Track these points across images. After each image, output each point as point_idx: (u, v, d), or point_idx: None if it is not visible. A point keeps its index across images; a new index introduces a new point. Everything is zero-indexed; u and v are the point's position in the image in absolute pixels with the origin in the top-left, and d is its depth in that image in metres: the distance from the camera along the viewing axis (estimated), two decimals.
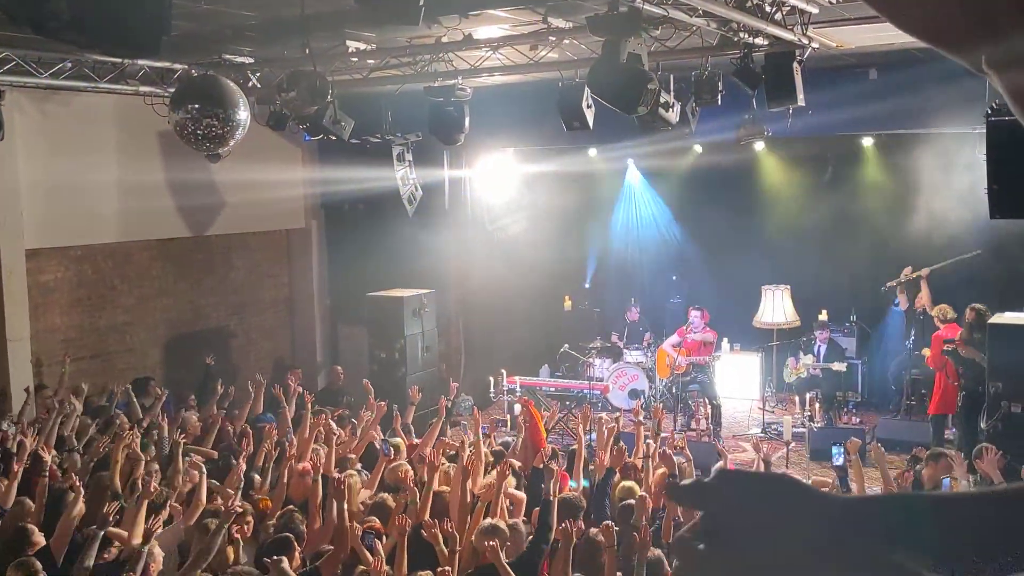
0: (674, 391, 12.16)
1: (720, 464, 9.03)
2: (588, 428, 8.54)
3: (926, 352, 11.05)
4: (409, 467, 7.34)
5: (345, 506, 5.82)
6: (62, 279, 10.99)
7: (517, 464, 7.12)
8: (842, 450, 7.34)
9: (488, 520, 5.88)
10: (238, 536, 6.04)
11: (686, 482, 0.95)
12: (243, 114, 7.88)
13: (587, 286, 15.01)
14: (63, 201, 10.53)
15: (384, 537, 6.02)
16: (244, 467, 7.06)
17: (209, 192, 12.09)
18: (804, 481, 0.94)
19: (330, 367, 13.24)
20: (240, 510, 5.92)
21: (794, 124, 9.48)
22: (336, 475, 6.37)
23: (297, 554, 5.59)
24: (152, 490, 6.19)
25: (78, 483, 6.41)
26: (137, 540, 5.74)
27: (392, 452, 7.71)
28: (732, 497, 0.90)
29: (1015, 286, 11.54)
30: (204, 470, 6.81)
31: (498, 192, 14.27)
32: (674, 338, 12.15)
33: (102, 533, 5.75)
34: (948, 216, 11.63)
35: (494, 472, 7.14)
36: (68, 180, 10.54)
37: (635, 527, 5.85)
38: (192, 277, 12.65)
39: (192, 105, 7.71)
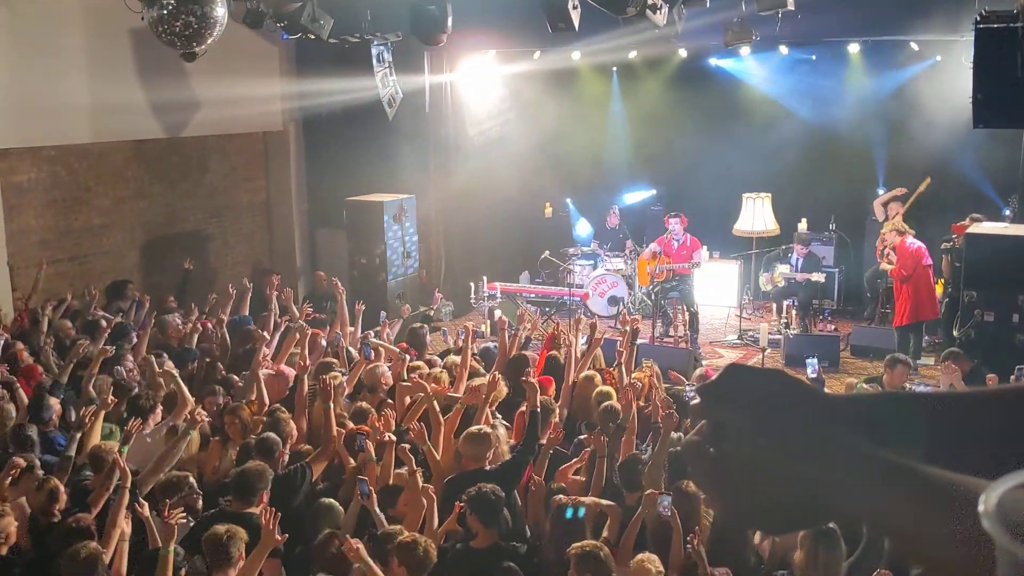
0: (653, 298, 12.23)
1: (698, 372, 9.19)
2: (579, 333, 8.54)
3: (887, 266, 11.11)
4: (387, 370, 7.39)
5: (331, 406, 5.87)
6: (35, 180, 10.79)
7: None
8: (816, 361, 7.44)
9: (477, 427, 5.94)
10: (231, 435, 6.12)
11: (700, 387, 0.95)
12: (220, 11, 7.66)
13: (568, 200, 14.94)
14: (33, 100, 10.24)
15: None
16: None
17: (184, 93, 11.80)
18: (798, 378, 0.94)
19: (312, 273, 13.21)
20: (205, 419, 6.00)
21: (782, 28, 9.33)
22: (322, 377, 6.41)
23: (282, 454, 5.67)
24: (110, 401, 6.21)
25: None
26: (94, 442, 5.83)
27: (372, 354, 7.75)
28: (737, 394, 0.90)
29: (987, 197, 11.66)
30: (177, 375, 6.77)
31: (480, 96, 14.05)
32: (654, 246, 12.13)
33: (79, 435, 5.84)
34: (933, 124, 11.61)
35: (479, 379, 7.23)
36: (38, 79, 10.23)
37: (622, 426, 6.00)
38: (168, 179, 12.46)
39: (167, 1, 7.46)
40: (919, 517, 0.74)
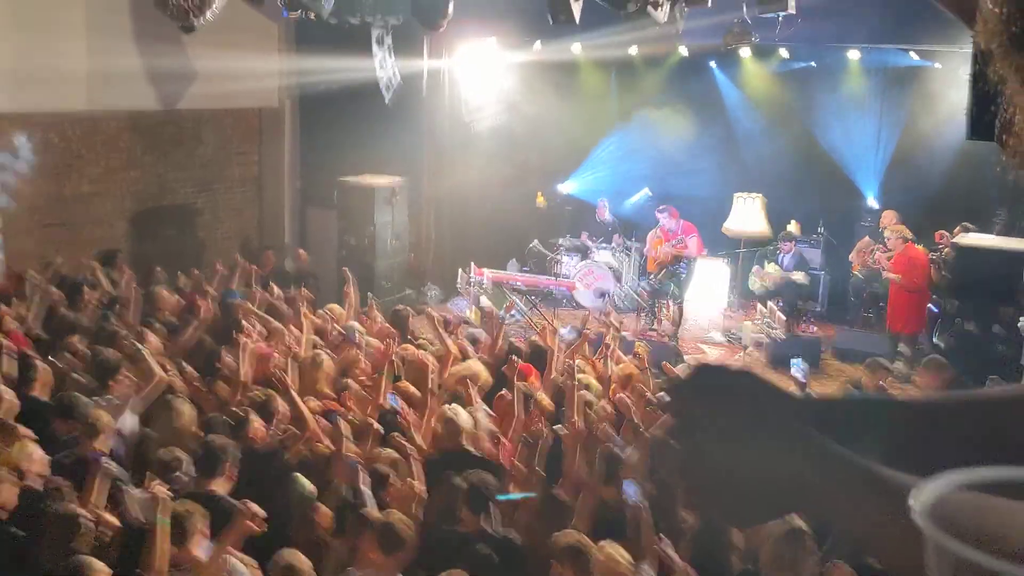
0: (652, 286, 12.15)
1: (680, 367, 9.25)
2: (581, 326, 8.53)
3: (890, 275, 11.08)
4: (362, 357, 7.40)
5: (293, 395, 5.90)
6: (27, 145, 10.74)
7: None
8: (801, 362, 7.47)
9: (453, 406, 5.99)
10: (206, 410, 6.12)
11: (666, 382, 0.99)
12: None
13: (559, 188, 14.94)
14: (29, 65, 10.16)
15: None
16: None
17: (181, 65, 11.72)
18: (766, 378, 0.98)
19: (294, 250, 13.18)
20: None
21: (782, 32, 9.36)
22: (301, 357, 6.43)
23: (259, 427, 5.68)
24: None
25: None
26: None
27: (357, 336, 7.76)
28: (706, 391, 0.94)
29: (979, 207, 11.73)
30: (140, 347, 6.59)
31: (477, 84, 14.04)
32: (654, 233, 12.13)
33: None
34: (930, 132, 11.68)
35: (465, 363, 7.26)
36: (34, 44, 10.16)
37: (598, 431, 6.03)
38: (160, 150, 12.40)
39: None
40: (872, 514, 0.78)
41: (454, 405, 5.99)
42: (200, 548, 4.41)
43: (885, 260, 11.19)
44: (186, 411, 5.94)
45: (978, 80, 7.29)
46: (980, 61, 0.86)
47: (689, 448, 0.92)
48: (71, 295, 8.69)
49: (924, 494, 0.66)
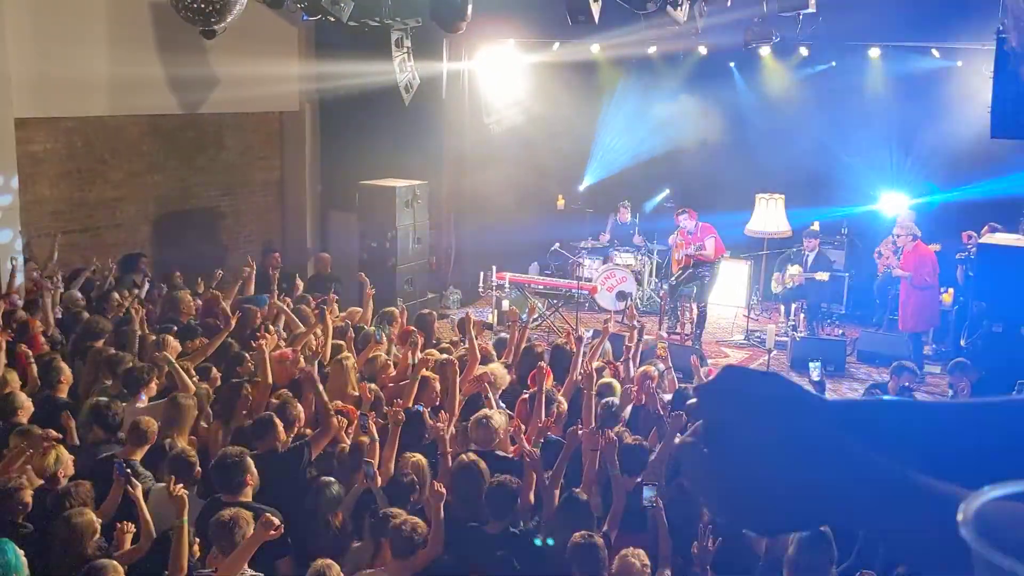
0: (672, 285, 12.08)
1: (702, 371, 9.17)
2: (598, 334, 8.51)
3: (900, 273, 10.95)
4: (391, 363, 7.39)
5: (321, 389, 5.91)
6: (52, 150, 10.84)
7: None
8: (819, 365, 7.38)
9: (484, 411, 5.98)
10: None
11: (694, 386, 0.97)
12: None
13: (581, 189, 14.92)
14: (53, 71, 10.27)
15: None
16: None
17: (202, 70, 11.82)
18: (793, 381, 0.95)
19: (317, 254, 13.22)
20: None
21: (803, 30, 9.30)
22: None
23: (282, 434, 5.67)
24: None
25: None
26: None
27: (383, 338, 7.76)
28: (733, 395, 0.92)
29: (1005, 207, 11.60)
30: (170, 359, 6.56)
31: (496, 85, 14.04)
32: (675, 237, 12.07)
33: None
34: (952, 132, 11.56)
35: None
36: (58, 50, 10.27)
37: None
38: (183, 155, 12.50)
39: None
40: (908, 523, 0.75)
41: (491, 410, 5.97)
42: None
43: (894, 259, 11.12)
44: (191, 406, 5.96)
45: (1001, 79, 7.21)
46: (1011, 60, 0.83)
47: (716, 454, 0.90)
48: (95, 300, 8.75)
49: (969, 505, 0.63)
